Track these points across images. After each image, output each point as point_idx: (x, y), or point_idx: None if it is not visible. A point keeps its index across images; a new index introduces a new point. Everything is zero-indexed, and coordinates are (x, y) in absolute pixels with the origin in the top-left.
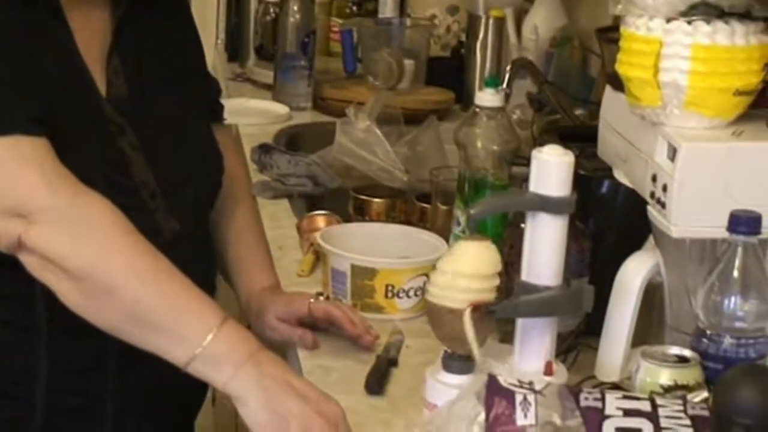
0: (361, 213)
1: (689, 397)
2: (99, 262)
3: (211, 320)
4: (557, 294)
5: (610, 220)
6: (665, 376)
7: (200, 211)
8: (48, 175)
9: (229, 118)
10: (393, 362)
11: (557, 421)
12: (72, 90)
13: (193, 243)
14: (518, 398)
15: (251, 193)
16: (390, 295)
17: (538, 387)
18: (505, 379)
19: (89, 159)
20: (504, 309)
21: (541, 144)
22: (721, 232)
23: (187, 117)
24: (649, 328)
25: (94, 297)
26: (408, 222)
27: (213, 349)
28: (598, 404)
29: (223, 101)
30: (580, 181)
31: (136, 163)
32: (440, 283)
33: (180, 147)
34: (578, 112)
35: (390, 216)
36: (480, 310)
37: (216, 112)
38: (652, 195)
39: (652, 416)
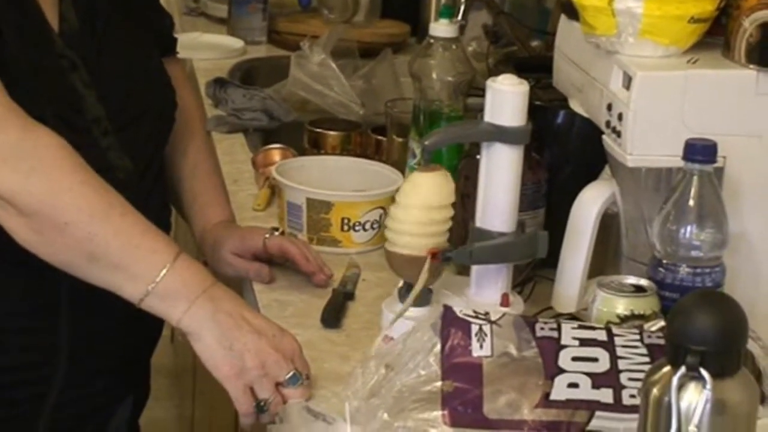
0: (317, 146)
1: (646, 326)
2: (49, 198)
3: (165, 256)
4: (512, 240)
5: (566, 150)
6: (622, 306)
7: (153, 149)
8: None
9: (183, 52)
10: (349, 296)
11: (513, 351)
12: (22, 25)
13: (146, 181)
14: (474, 329)
15: (205, 127)
16: (346, 228)
17: (493, 318)
18: (460, 310)
19: (40, 95)
20: (459, 256)
21: (497, 75)
22: (676, 160)
23: (140, 52)
24: (606, 258)
25: (44, 233)
26: (363, 155)
27: (166, 284)
28: (554, 334)
29: (178, 36)
30: (535, 111)
31: (88, 100)
32: (395, 227)
33: (133, 83)
34: (534, 43)
35: (345, 149)
36: (437, 256)
37: (169, 46)
38: (608, 124)
39: (609, 345)
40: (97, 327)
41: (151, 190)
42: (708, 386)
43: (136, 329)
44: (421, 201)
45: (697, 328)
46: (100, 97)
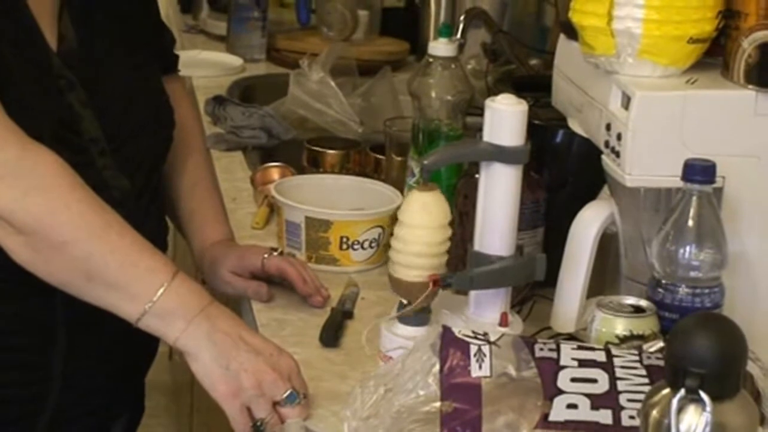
0: (316, 165)
1: (645, 347)
2: (46, 217)
3: (162, 275)
4: (511, 264)
5: (564, 169)
6: (621, 327)
7: (150, 168)
8: None
9: (182, 70)
10: (348, 314)
11: (512, 372)
12: (20, 45)
13: (143, 200)
14: (473, 349)
15: (204, 145)
16: (345, 247)
17: (492, 338)
18: (459, 331)
19: (37, 115)
20: (459, 281)
21: (495, 93)
22: (675, 181)
23: (138, 71)
24: (605, 278)
25: (42, 252)
26: (362, 173)
27: (164, 304)
28: (554, 355)
29: (177, 53)
30: (534, 131)
31: (86, 120)
32: (402, 248)
33: (130, 102)
34: (533, 62)
35: (344, 167)
36: (437, 283)
37: (170, 63)
38: (607, 144)
39: (608, 366)
40: (93, 345)
41: (149, 209)
42: (708, 409)
43: (131, 347)
44: (432, 221)
45: (696, 350)
46: (97, 117)
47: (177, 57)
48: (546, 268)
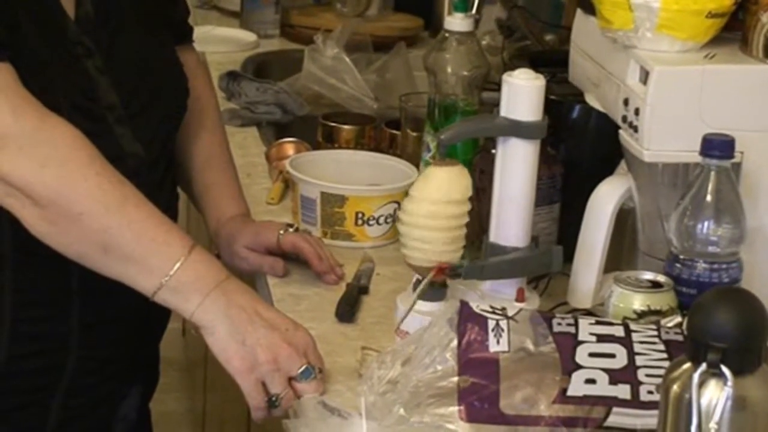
0: (330, 140)
1: (663, 322)
2: (64, 189)
3: (179, 249)
4: (525, 255)
5: (581, 145)
6: (638, 302)
7: (165, 136)
8: (12, 100)
9: (196, 46)
10: (364, 290)
11: (530, 347)
12: (37, 12)
13: (157, 168)
14: (491, 324)
15: (219, 120)
16: (360, 222)
17: (510, 313)
18: (477, 306)
19: (54, 82)
20: (470, 272)
21: (511, 69)
22: (693, 156)
23: (153, 39)
24: (622, 253)
25: (58, 224)
26: (377, 149)
27: (180, 278)
28: (572, 330)
29: (191, 24)
30: (551, 106)
31: (102, 87)
32: (406, 219)
33: (145, 69)
34: (548, 37)
35: (359, 143)
36: (446, 272)
37: (184, 34)
38: (624, 119)
39: (626, 341)
40: (108, 315)
41: (163, 177)
42: (729, 383)
43: (145, 316)
44: (433, 195)
45: (717, 324)
46: (113, 84)
47: (191, 28)
48: (563, 251)
